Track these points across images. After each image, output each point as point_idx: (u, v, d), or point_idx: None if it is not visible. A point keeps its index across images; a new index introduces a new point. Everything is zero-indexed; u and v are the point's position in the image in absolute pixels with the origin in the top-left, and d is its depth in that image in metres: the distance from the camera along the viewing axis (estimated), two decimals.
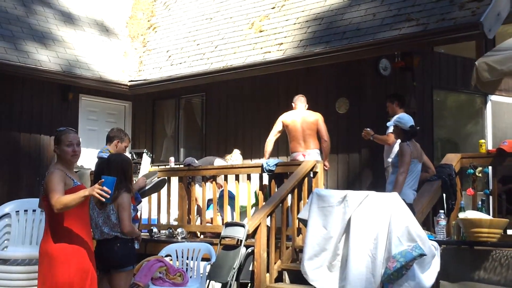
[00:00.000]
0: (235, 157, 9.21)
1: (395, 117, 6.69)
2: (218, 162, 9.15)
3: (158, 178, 7.32)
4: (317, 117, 8.20)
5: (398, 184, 6.24)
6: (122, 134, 6.80)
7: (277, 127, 8.44)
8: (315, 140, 8.19)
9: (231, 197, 8.34)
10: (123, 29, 12.68)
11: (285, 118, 8.35)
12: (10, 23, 10.66)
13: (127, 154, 9.27)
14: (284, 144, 8.96)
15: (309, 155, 8.03)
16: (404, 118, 6.54)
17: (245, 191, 8.21)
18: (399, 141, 7.55)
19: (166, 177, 8.28)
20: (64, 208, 4.44)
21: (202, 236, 8.58)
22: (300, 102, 8.39)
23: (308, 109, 8.42)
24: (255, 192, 8.49)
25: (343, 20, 9.20)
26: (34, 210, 7.06)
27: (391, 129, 7.73)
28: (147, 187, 6.97)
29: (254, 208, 8.49)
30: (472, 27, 7.63)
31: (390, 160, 7.77)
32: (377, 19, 8.77)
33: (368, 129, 7.95)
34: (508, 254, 5.30)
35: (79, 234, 4.59)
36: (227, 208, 8.31)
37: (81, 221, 4.65)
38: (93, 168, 7.61)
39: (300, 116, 8.25)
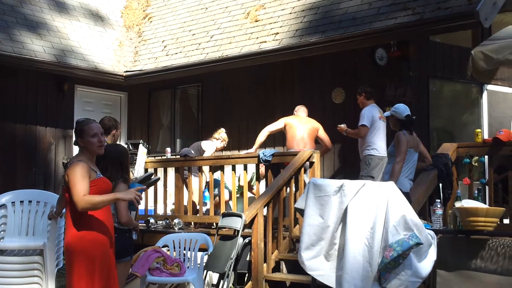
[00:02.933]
0: (222, 135, 9.37)
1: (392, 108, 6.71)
2: (204, 144, 9.25)
3: (153, 178, 7.31)
4: (319, 126, 8.54)
5: (394, 173, 6.25)
6: (116, 122, 6.77)
7: (277, 125, 8.57)
8: (313, 143, 8.41)
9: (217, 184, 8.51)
10: (118, 19, 12.62)
11: (289, 119, 8.57)
12: (5, 13, 10.60)
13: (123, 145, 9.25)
14: (280, 135, 8.95)
15: None
16: (400, 108, 6.55)
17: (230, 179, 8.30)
18: (373, 132, 7.70)
19: (160, 176, 8.35)
20: (91, 208, 4.39)
21: (196, 226, 8.58)
22: (303, 112, 8.66)
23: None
24: (238, 179, 8.66)
25: (339, 10, 9.18)
26: (30, 201, 7.04)
27: (362, 121, 7.81)
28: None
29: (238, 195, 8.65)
30: (468, 16, 7.62)
31: (364, 151, 7.86)
32: (373, 8, 8.75)
33: (342, 125, 8.09)
34: (504, 242, 5.31)
35: (105, 223, 4.56)
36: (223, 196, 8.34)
37: (107, 211, 4.65)
38: None
39: (305, 120, 8.54)
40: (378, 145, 7.86)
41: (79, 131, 4.62)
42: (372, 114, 7.89)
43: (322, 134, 8.54)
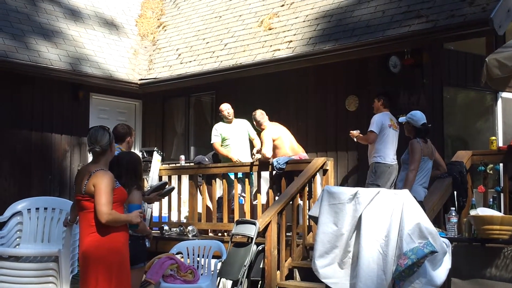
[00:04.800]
0: None
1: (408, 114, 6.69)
2: None
3: (167, 187, 7.36)
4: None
5: (408, 181, 6.24)
6: (130, 129, 6.78)
7: (270, 142, 8.42)
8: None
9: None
10: (133, 28, 12.72)
11: (274, 133, 8.49)
12: (21, 22, 10.71)
13: (138, 153, 9.31)
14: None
15: (303, 157, 8.17)
16: (417, 116, 6.53)
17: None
18: (382, 140, 7.71)
19: (174, 186, 8.43)
20: (112, 224, 4.48)
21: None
22: (266, 121, 8.65)
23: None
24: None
25: (353, 17, 9.19)
26: (45, 208, 7.11)
27: (371, 127, 7.84)
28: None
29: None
30: (482, 23, 7.60)
31: (372, 158, 7.95)
32: (387, 16, 8.75)
33: (355, 131, 8.08)
34: None
35: (121, 231, 4.61)
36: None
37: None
38: None
39: (279, 128, 8.59)
40: (386, 152, 7.87)
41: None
42: (382, 122, 7.92)
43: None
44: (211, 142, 9.00)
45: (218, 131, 8.98)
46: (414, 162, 6.28)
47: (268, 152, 8.18)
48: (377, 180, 7.72)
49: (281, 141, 8.41)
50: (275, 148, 8.34)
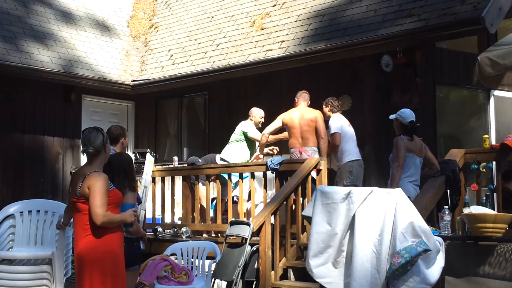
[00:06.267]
0: None
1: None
2: (218, 158, 9.22)
3: None
4: (316, 114, 8.18)
5: (394, 179, 6.31)
6: (123, 130, 6.74)
7: (275, 124, 8.46)
8: (314, 137, 8.19)
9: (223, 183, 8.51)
10: (124, 29, 12.69)
11: (286, 116, 8.37)
12: (12, 24, 10.68)
13: (131, 154, 9.28)
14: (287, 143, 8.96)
15: (305, 152, 8.04)
16: (405, 113, 6.60)
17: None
18: (345, 139, 7.74)
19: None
20: (107, 225, 4.47)
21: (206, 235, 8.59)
22: (302, 99, 8.40)
23: (310, 106, 8.44)
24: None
25: (345, 17, 9.20)
26: (38, 211, 7.07)
27: (332, 130, 7.95)
28: None
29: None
30: (474, 22, 7.62)
31: (344, 158, 7.93)
32: (379, 15, 8.76)
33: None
34: None
35: (115, 233, 4.61)
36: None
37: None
38: None
39: (299, 113, 8.26)
40: (354, 150, 7.95)
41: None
42: (340, 123, 7.99)
43: (319, 122, 8.12)
44: (260, 133, 8.75)
45: (252, 128, 8.97)
46: (398, 159, 6.36)
47: (267, 128, 8.50)
48: (355, 180, 7.72)
49: (288, 127, 8.28)
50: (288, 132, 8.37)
